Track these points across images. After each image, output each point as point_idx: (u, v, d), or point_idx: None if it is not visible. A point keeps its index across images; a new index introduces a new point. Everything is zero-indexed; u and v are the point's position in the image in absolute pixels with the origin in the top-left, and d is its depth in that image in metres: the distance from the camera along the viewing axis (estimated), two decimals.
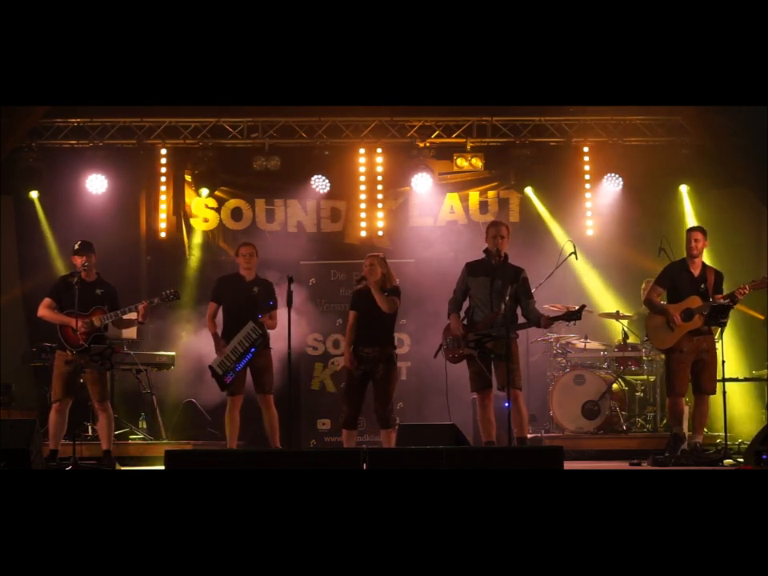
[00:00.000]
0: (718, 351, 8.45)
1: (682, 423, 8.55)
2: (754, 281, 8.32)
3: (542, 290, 8.54)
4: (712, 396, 8.53)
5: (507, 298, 7.77)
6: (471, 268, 8.15)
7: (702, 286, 8.42)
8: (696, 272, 8.49)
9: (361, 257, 8.89)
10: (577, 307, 7.89)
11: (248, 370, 8.57)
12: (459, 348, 7.98)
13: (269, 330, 8.64)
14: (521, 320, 8.00)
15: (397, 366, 8.33)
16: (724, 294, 8.36)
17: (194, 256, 11.64)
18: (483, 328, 7.88)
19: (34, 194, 11.33)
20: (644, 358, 10.47)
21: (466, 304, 8.19)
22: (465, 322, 8.09)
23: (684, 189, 11.37)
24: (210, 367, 8.64)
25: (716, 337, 8.71)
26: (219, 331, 8.68)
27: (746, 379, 10.51)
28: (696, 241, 8.48)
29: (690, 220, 11.05)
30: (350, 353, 8.19)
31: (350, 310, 8.37)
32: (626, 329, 10.66)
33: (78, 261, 8.40)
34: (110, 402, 8.69)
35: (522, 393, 7.86)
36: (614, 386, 10.40)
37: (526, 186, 11.51)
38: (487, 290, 7.92)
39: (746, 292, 8.25)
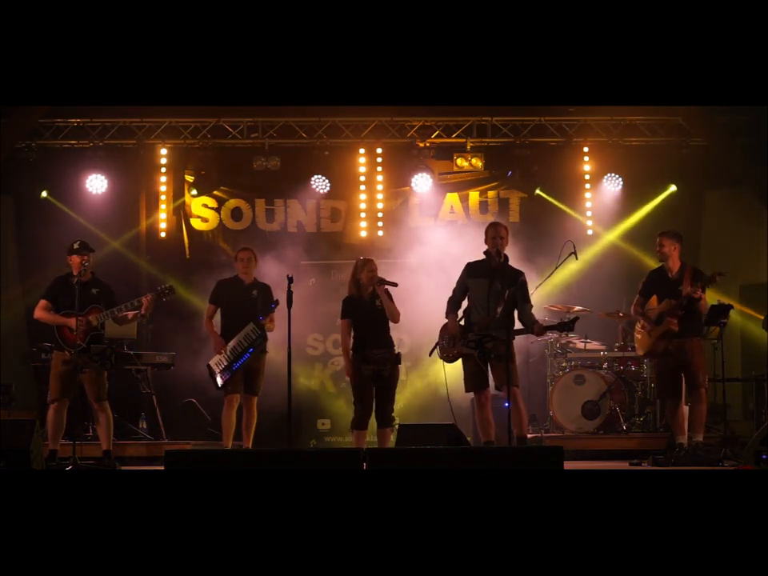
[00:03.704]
0: (717, 351, 8.47)
1: (678, 430, 8.49)
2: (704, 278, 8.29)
3: (542, 290, 8.54)
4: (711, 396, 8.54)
5: (505, 301, 7.77)
6: (471, 269, 8.15)
7: (680, 287, 8.42)
8: (672, 274, 8.51)
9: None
10: (571, 317, 7.98)
11: (242, 370, 8.59)
12: (455, 348, 7.99)
13: (267, 332, 8.65)
14: (516, 324, 8.00)
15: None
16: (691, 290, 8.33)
17: (194, 256, 11.63)
18: (479, 330, 7.89)
19: (44, 194, 11.35)
20: (644, 358, 10.46)
21: (464, 304, 8.19)
22: (462, 322, 8.09)
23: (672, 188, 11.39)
24: (208, 366, 8.67)
25: (715, 336, 8.72)
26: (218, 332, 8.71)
27: (745, 379, 10.50)
28: (661, 246, 8.53)
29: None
30: (349, 361, 8.18)
31: (342, 318, 8.31)
32: (625, 329, 10.65)
33: (78, 260, 8.38)
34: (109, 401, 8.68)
35: (519, 390, 7.87)
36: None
37: (536, 188, 11.52)
38: (485, 291, 7.92)
39: (699, 290, 8.20)
